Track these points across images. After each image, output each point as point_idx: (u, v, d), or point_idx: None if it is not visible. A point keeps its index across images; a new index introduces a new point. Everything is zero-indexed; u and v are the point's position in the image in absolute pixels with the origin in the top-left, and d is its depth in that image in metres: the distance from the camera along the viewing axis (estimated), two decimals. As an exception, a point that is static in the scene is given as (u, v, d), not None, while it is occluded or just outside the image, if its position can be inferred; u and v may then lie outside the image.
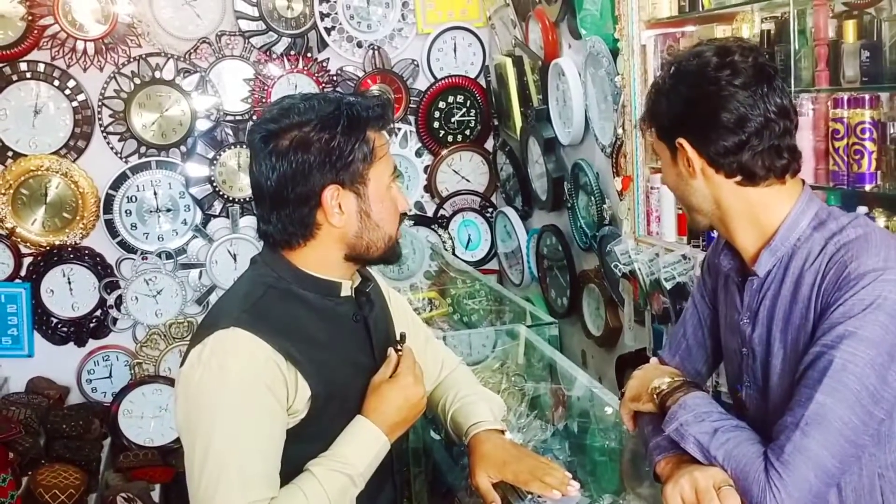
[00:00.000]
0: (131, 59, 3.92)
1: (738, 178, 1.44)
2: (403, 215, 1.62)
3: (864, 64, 1.87)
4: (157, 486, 3.73)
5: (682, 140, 1.45)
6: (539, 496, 1.66)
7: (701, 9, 2.41)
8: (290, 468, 1.46)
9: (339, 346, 1.55)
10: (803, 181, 1.49)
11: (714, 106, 1.41)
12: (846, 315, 1.30)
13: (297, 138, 1.47)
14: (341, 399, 1.53)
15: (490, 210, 4.45)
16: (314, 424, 1.49)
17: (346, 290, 1.60)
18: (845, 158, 1.90)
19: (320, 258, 1.54)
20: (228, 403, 1.40)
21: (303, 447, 1.48)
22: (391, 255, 1.60)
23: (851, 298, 1.30)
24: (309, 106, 1.49)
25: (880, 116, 1.87)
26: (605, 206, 3.19)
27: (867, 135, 1.86)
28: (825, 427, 1.27)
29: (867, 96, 1.87)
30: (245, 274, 1.61)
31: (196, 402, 1.43)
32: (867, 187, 1.88)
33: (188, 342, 1.54)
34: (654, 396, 1.54)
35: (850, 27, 1.91)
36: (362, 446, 1.51)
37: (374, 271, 1.79)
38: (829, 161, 1.94)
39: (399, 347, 1.62)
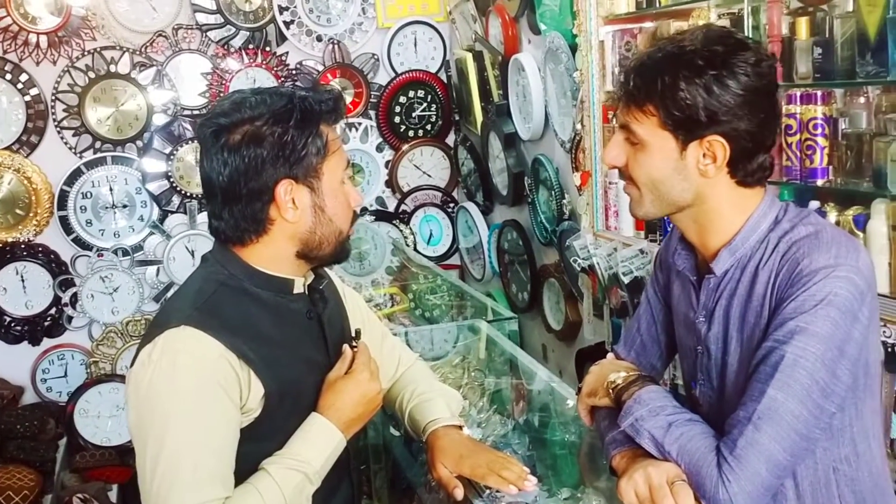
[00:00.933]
0: (86, 53, 3.84)
1: (742, 179, 1.42)
2: (356, 211, 1.61)
3: (816, 60, 1.89)
4: (115, 487, 3.69)
5: (719, 138, 1.36)
6: (497, 491, 1.67)
7: (658, 5, 2.43)
8: (245, 467, 1.45)
9: (292, 344, 1.54)
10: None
11: (771, 104, 1.39)
12: (798, 311, 1.31)
13: (250, 132, 1.45)
14: (295, 396, 1.52)
15: (451, 205, 4.44)
16: (268, 423, 1.48)
17: (299, 287, 1.58)
18: (798, 154, 1.93)
19: (272, 254, 1.53)
20: (180, 403, 1.39)
21: (257, 445, 1.47)
22: (342, 252, 1.59)
23: (803, 294, 1.31)
24: (261, 100, 1.47)
25: (832, 112, 1.90)
26: (564, 201, 3.20)
27: (819, 130, 1.89)
28: (777, 421, 1.28)
29: (819, 92, 1.89)
30: (196, 272, 1.59)
31: (147, 403, 1.41)
32: (819, 182, 1.90)
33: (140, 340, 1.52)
34: (610, 391, 1.55)
35: (802, 24, 1.93)
36: (318, 443, 1.50)
37: (330, 268, 1.78)
38: (783, 156, 1.96)
39: (354, 343, 1.61)
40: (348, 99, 4.18)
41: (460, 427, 1.78)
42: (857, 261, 1.32)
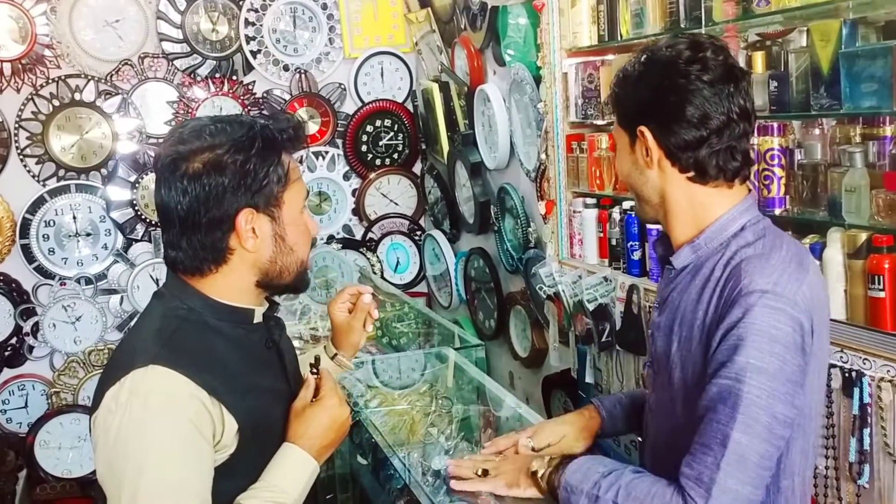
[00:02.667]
0: (50, 81, 3.83)
1: (691, 173, 1.47)
2: (314, 240, 1.62)
3: (772, 93, 1.94)
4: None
5: (643, 128, 1.47)
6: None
7: (619, 38, 2.49)
8: None
9: (257, 375, 1.52)
10: (749, 189, 1.53)
11: (680, 98, 1.43)
12: (743, 343, 1.34)
13: (211, 161, 1.42)
14: (266, 429, 1.50)
15: (418, 233, 4.46)
16: (243, 457, 1.45)
17: (258, 317, 1.56)
18: (756, 184, 1.98)
19: (231, 285, 1.50)
20: (155, 446, 1.33)
21: (232, 482, 1.43)
22: (301, 281, 1.58)
23: (744, 323, 1.35)
24: (221, 128, 1.46)
25: (788, 143, 1.95)
26: (530, 229, 3.23)
27: (776, 161, 1.94)
28: (745, 465, 1.32)
29: (776, 124, 1.94)
30: (152, 307, 1.52)
31: (119, 449, 1.35)
32: (777, 212, 1.95)
33: (98, 381, 1.47)
34: (540, 480, 1.59)
35: (758, 58, 1.99)
36: (294, 473, 1.47)
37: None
38: (742, 186, 2.01)
39: (315, 370, 1.59)
40: (315, 128, 4.20)
41: None
42: (796, 293, 1.36)
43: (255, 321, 1.55)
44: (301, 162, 4.23)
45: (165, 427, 1.35)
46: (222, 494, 1.41)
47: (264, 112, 4.08)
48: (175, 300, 1.49)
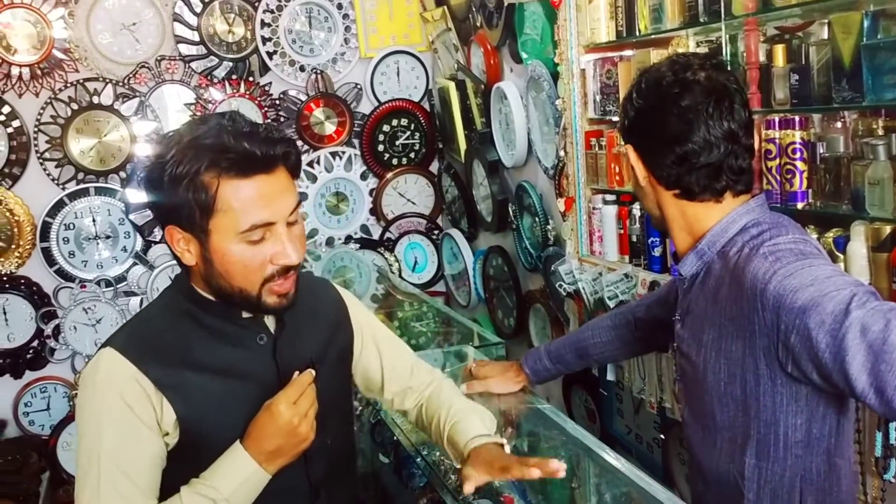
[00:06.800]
0: (68, 85, 3.85)
1: (676, 191, 1.50)
2: (289, 267, 1.46)
3: (793, 86, 1.93)
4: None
5: (630, 147, 1.53)
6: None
7: (638, 34, 2.47)
8: (178, 488, 1.46)
9: (233, 370, 1.50)
10: (754, 195, 1.54)
11: (657, 120, 1.47)
12: (799, 297, 1.32)
13: (147, 173, 1.45)
14: (219, 424, 1.47)
15: (436, 232, 4.46)
16: (190, 446, 1.47)
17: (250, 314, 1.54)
18: (778, 178, 1.96)
19: (203, 286, 1.52)
20: (90, 421, 1.44)
21: (185, 468, 1.47)
22: (254, 308, 1.49)
23: (783, 283, 1.35)
24: (177, 132, 1.45)
25: (810, 137, 1.93)
26: (549, 226, 3.23)
27: (798, 155, 1.92)
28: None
29: (797, 117, 1.93)
30: (159, 293, 1.62)
31: (76, 418, 1.48)
32: (799, 206, 1.93)
33: None
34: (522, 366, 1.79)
35: (779, 51, 1.98)
36: (229, 471, 1.45)
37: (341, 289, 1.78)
38: (763, 180, 2.00)
39: (298, 373, 1.52)
40: (331, 128, 4.21)
41: (502, 445, 1.67)
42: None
43: (245, 316, 1.53)
44: (318, 162, 4.24)
45: (101, 403, 1.43)
46: (176, 478, 1.46)
47: (282, 114, 4.09)
48: (172, 290, 1.58)
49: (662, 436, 2.66)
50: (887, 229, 1.74)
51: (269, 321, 1.56)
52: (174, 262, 3.88)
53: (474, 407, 1.81)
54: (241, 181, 1.39)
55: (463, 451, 1.66)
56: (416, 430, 2.21)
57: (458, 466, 1.69)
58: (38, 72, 3.81)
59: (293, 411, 1.46)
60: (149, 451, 1.45)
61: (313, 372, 1.51)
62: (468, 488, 1.56)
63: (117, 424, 1.42)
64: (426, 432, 1.85)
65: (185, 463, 1.47)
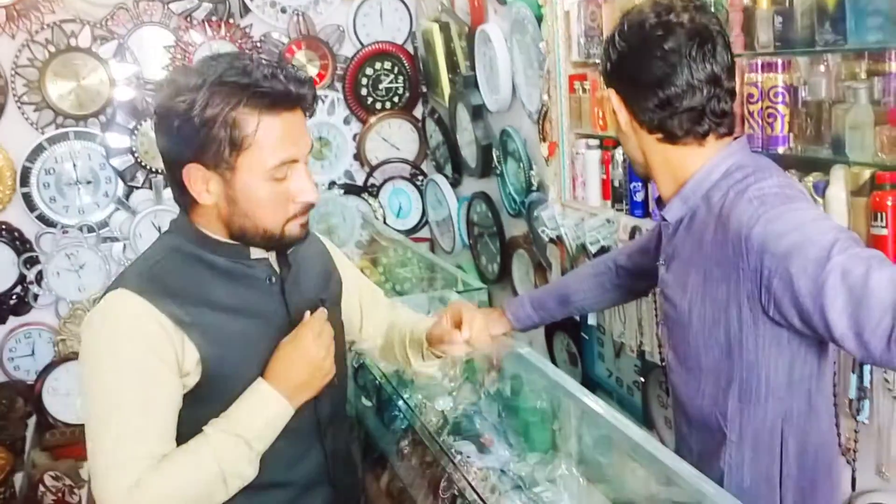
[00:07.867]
0: (45, 27, 3.77)
1: (659, 135, 1.49)
2: (309, 205, 1.51)
3: (777, 29, 1.91)
4: (86, 464, 3.67)
5: (612, 91, 1.52)
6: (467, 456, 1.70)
7: (622, -25, 2.44)
8: (195, 429, 1.44)
9: (247, 310, 1.52)
10: (736, 137, 1.55)
11: (640, 64, 1.45)
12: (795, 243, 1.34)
13: (164, 110, 1.43)
14: (239, 363, 1.49)
15: (420, 178, 4.44)
16: (210, 386, 1.47)
17: (258, 253, 1.55)
18: (760, 122, 1.95)
19: (214, 227, 1.51)
20: (106, 362, 1.41)
21: (204, 409, 1.46)
22: (276, 245, 1.53)
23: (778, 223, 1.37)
24: (194, 70, 1.43)
25: (793, 81, 1.92)
26: (532, 172, 3.22)
27: (780, 98, 1.91)
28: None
29: (780, 61, 1.91)
30: (157, 239, 1.59)
31: (85, 362, 1.45)
32: (780, 150, 1.93)
33: None
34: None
35: (764, -7, 1.95)
36: (256, 408, 1.46)
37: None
38: (745, 125, 1.99)
39: (309, 313, 1.56)
40: (314, 71, 4.15)
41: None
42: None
43: (253, 257, 1.54)
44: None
45: (117, 345, 1.41)
46: (194, 420, 1.44)
47: (263, 56, 4.03)
48: (175, 231, 1.55)
49: (642, 379, 2.70)
50: (867, 174, 1.74)
51: (273, 263, 1.58)
52: (157, 207, 3.81)
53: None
54: (272, 118, 1.42)
55: (420, 337, 1.84)
56: (398, 374, 2.23)
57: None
58: (14, 13, 3.72)
59: (319, 343, 1.51)
60: (168, 393, 1.44)
61: (325, 310, 1.56)
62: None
63: (137, 366, 1.40)
64: (390, 357, 1.96)
65: (202, 404, 1.46)
